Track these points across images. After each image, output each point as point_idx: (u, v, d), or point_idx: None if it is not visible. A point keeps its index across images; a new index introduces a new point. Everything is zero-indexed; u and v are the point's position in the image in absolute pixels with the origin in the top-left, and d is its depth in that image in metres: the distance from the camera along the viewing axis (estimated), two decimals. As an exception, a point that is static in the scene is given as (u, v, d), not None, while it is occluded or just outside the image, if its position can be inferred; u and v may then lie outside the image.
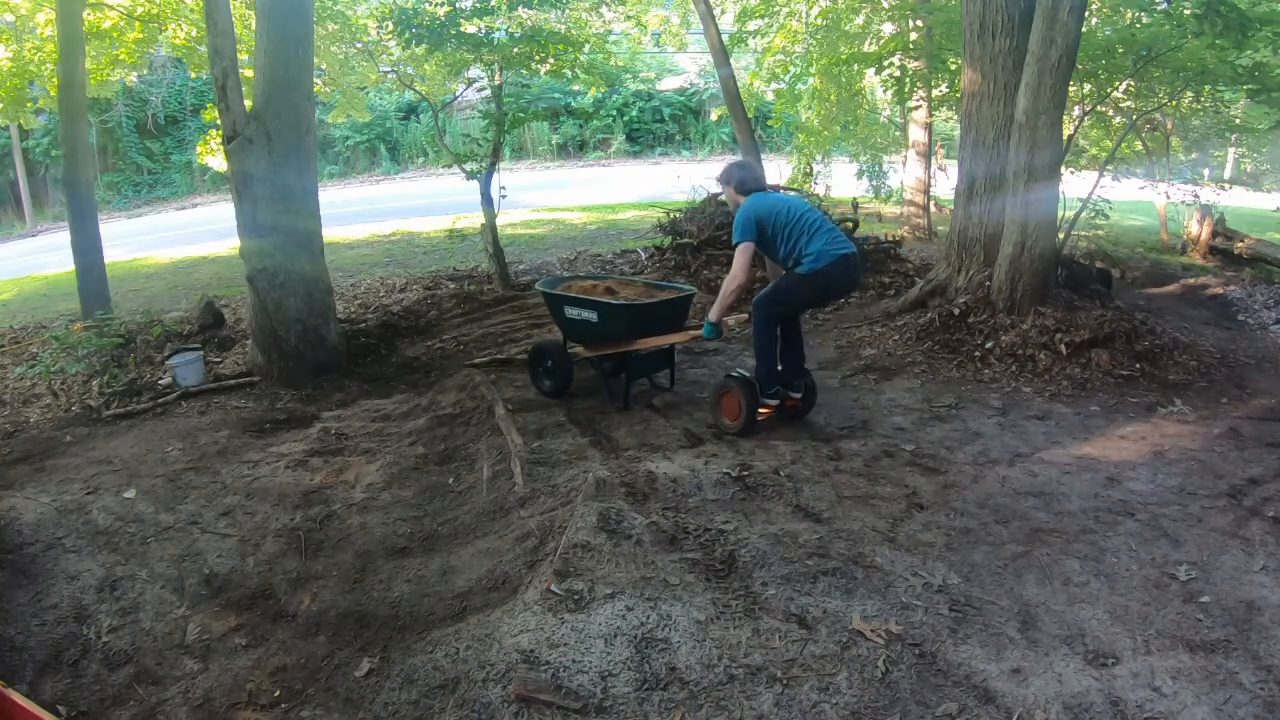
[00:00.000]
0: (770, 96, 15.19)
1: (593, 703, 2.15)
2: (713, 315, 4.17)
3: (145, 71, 14.88)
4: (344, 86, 11.89)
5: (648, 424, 4.34)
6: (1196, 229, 10.22)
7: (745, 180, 4.31)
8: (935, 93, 10.42)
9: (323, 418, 4.85)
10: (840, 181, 15.40)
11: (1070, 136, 6.46)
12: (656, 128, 24.93)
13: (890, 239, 8.62)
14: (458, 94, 10.84)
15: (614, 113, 24.27)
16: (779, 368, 4.24)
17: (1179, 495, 3.45)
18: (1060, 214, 5.90)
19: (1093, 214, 7.49)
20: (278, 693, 2.49)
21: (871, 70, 10.83)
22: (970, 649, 2.39)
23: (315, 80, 7.26)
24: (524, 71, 8.23)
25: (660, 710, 2.14)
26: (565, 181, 19.36)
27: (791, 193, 9.58)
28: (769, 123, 16.68)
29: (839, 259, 4.02)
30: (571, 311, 4.59)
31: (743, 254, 4.04)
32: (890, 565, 2.83)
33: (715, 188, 9.22)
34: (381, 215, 14.45)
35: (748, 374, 4.21)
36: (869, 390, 4.89)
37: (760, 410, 4.15)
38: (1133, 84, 7.95)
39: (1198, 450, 3.93)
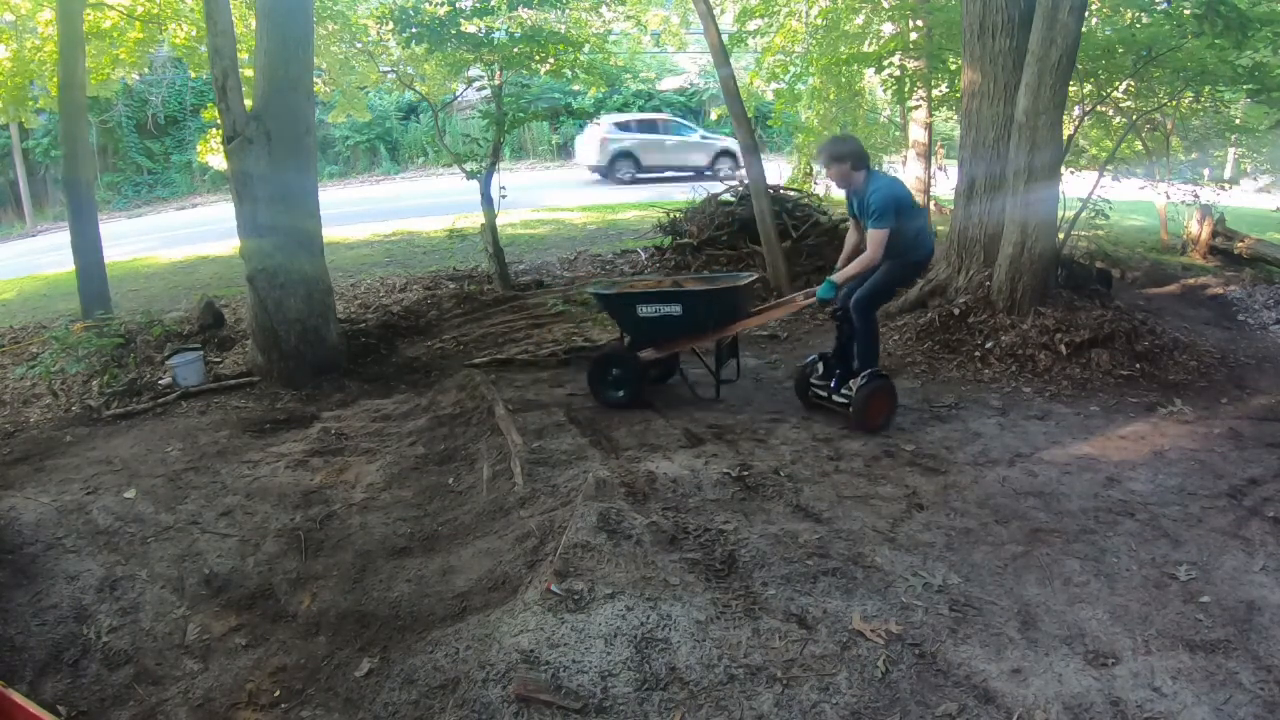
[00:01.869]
0: (770, 96, 15.20)
1: (593, 703, 2.15)
2: (837, 277, 4.11)
3: (145, 71, 14.88)
4: (344, 86, 11.90)
5: (648, 424, 4.34)
6: (1196, 229, 10.22)
7: (861, 154, 4.18)
8: (935, 93, 10.42)
9: (323, 418, 4.85)
10: (840, 181, 15.36)
11: (1070, 136, 6.46)
12: (657, 128, 24.90)
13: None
14: (458, 94, 10.84)
15: (614, 113, 24.25)
16: (836, 370, 4.35)
17: (1179, 495, 3.45)
18: (1060, 214, 5.90)
19: (1093, 214, 7.49)
20: (278, 693, 2.49)
21: (871, 70, 10.83)
22: (970, 649, 2.39)
23: (315, 80, 7.27)
24: (524, 71, 8.23)
25: (660, 710, 2.14)
26: (565, 181, 19.36)
27: (792, 192, 9.60)
28: (769, 123, 16.68)
29: (932, 247, 4.26)
30: (647, 310, 4.43)
31: (884, 240, 3.95)
32: (890, 565, 2.83)
33: (715, 187, 9.26)
34: (381, 215, 14.43)
35: (880, 370, 4.26)
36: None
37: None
38: (1133, 84, 7.95)
39: (1198, 450, 3.93)
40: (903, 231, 4.05)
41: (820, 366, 4.49)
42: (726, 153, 17.37)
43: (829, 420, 4.35)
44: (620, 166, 17.69)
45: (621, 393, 4.62)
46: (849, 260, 4.28)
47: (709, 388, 4.76)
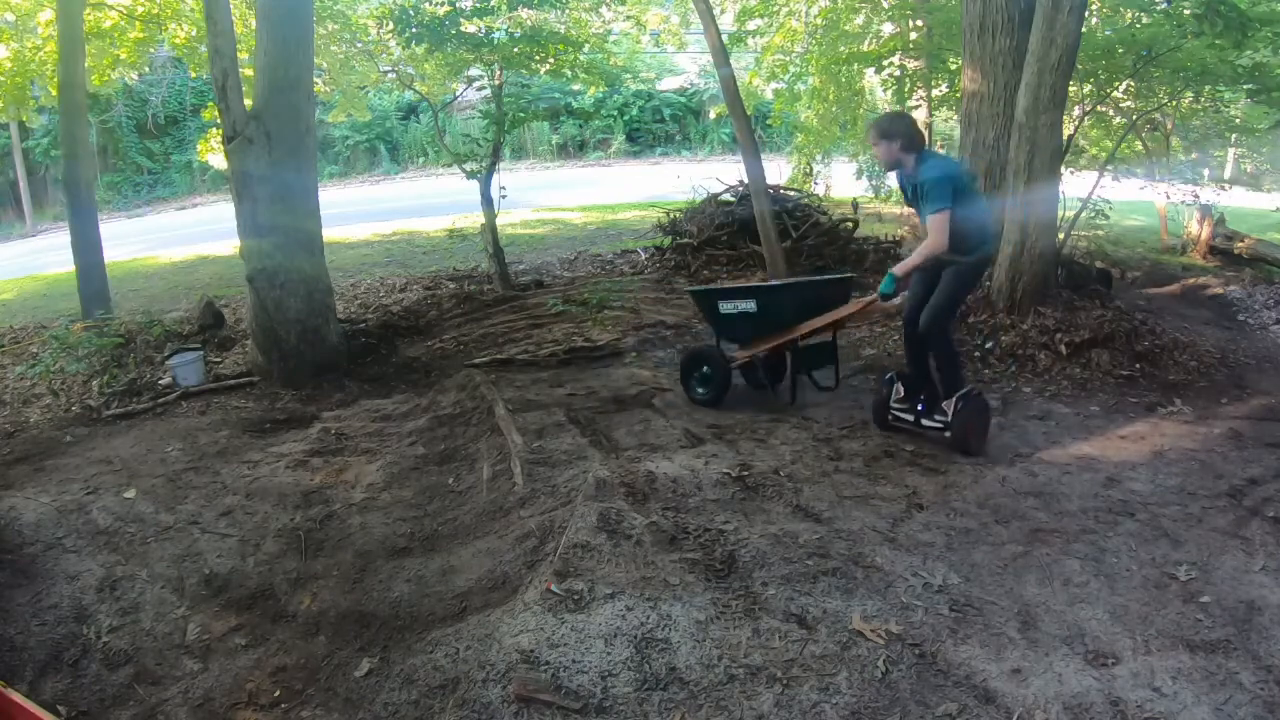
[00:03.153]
0: (770, 96, 15.21)
1: (593, 703, 2.15)
2: (899, 269, 3.85)
3: (145, 71, 14.88)
4: (344, 86, 11.90)
5: (648, 424, 4.34)
6: (1196, 229, 10.22)
7: (916, 138, 3.82)
8: (935, 93, 10.44)
9: (323, 418, 4.85)
10: (840, 181, 15.39)
11: (1070, 136, 6.46)
12: (656, 128, 24.93)
13: (890, 239, 8.62)
14: (458, 94, 10.84)
15: (614, 113, 24.26)
16: (920, 393, 4.03)
17: (1179, 495, 3.45)
18: (1060, 214, 5.90)
19: (1093, 214, 7.49)
20: (278, 693, 2.49)
21: (871, 70, 10.84)
22: (970, 649, 2.39)
23: (315, 80, 7.27)
24: (524, 71, 8.23)
25: (660, 710, 2.14)
26: (565, 181, 19.35)
27: (792, 192, 9.59)
28: (769, 122, 16.69)
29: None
30: (726, 306, 4.45)
31: (945, 223, 3.62)
32: (890, 565, 2.82)
33: (715, 187, 9.26)
34: (381, 215, 14.44)
35: (971, 389, 3.97)
36: (869, 390, 4.88)
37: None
38: (1133, 84, 7.95)
39: (1198, 450, 3.92)
40: (963, 221, 3.69)
41: (900, 389, 4.14)
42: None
43: (829, 420, 4.35)
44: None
45: (705, 391, 4.65)
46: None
47: (805, 388, 4.66)
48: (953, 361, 3.98)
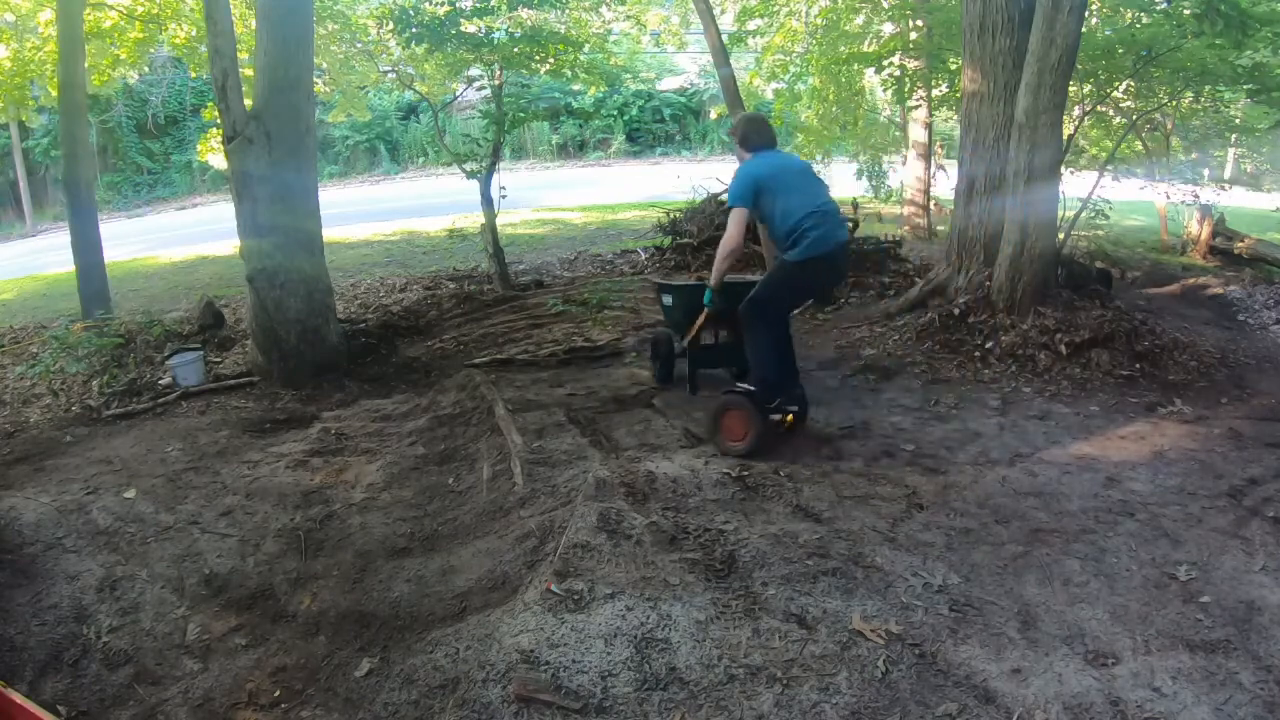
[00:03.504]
0: (770, 96, 15.20)
1: (593, 703, 2.15)
2: (712, 281, 4.01)
3: (145, 71, 14.89)
4: (344, 86, 11.91)
5: (648, 424, 4.34)
6: (1196, 229, 10.22)
7: (749, 135, 3.94)
8: (935, 93, 10.42)
9: (323, 418, 4.85)
10: (840, 181, 15.39)
11: (1070, 136, 6.46)
12: (656, 128, 24.94)
13: (890, 239, 8.62)
14: (458, 94, 10.85)
15: (614, 113, 24.27)
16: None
17: (1179, 495, 3.45)
18: (1060, 214, 5.90)
19: (1093, 214, 7.50)
20: (278, 693, 2.49)
21: (871, 70, 10.83)
22: (970, 649, 2.39)
23: (315, 80, 7.27)
24: (524, 71, 8.24)
25: (660, 710, 2.14)
26: (565, 181, 19.36)
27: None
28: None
29: (838, 246, 3.73)
30: (664, 298, 4.92)
31: (734, 220, 3.76)
32: (890, 565, 2.82)
33: (715, 187, 9.27)
34: (381, 215, 14.44)
35: (750, 387, 3.89)
36: (869, 390, 4.88)
37: (778, 425, 3.87)
38: (1133, 84, 7.95)
39: (1198, 450, 3.92)
40: (771, 219, 3.74)
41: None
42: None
43: (828, 420, 4.35)
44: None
45: (657, 367, 5.06)
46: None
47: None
48: (761, 355, 3.82)
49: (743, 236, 3.84)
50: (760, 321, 3.83)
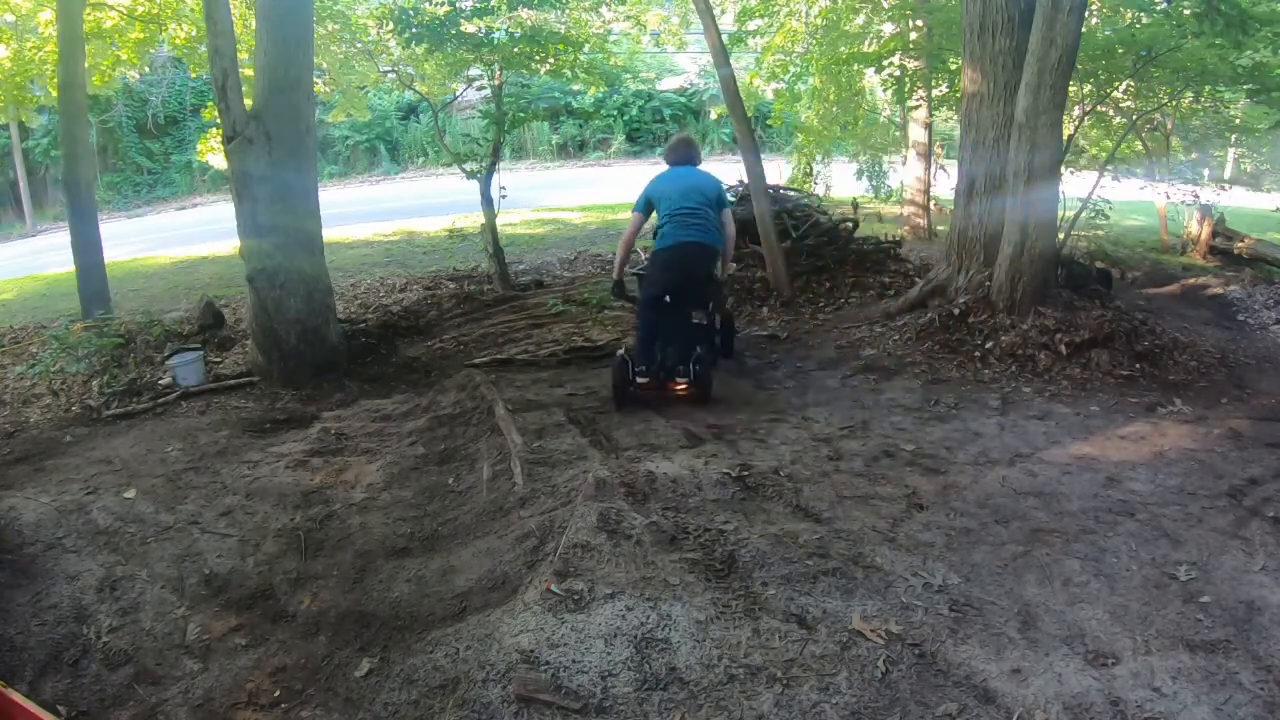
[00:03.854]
0: (770, 96, 15.20)
1: (593, 703, 2.15)
2: (615, 273, 5.03)
3: (145, 71, 14.89)
4: (344, 86, 11.90)
5: (648, 424, 4.34)
6: (1196, 229, 10.23)
7: (667, 153, 4.97)
8: (935, 93, 10.42)
9: (323, 418, 4.85)
10: (840, 181, 15.41)
11: (1070, 136, 6.46)
12: (656, 128, 24.90)
13: (890, 239, 8.61)
14: (458, 94, 10.84)
15: (614, 113, 24.24)
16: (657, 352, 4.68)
17: (1179, 495, 3.45)
18: (1060, 214, 5.90)
19: (1093, 214, 7.49)
20: (278, 693, 2.49)
21: (871, 70, 10.83)
22: (970, 649, 2.39)
23: (315, 80, 7.27)
24: (524, 71, 8.24)
25: (660, 710, 2.14)
26: (565, 181, 19.36)
27: (792, 192, 9.58)
28: (769, 122, 16.67)
29: (679, 244, 4.51)
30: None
31: (631, 222, 4.83)
32: (890, 565, 2.82)
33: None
34: (381, 215, 14.45)
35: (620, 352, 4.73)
36: (869, 390, 4.88)
37: (633, 385, 4.58)
38: (1133, 84, 7.95)
39: (1198, 450, 3.92)
40: (659, 224, 4.63)
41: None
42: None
43: (828, 420, 4.36)
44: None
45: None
46: None
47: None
48: (642, 334, 4.69)
49: (634, 234, 4.89)
50: (639, 304, 4.83)
